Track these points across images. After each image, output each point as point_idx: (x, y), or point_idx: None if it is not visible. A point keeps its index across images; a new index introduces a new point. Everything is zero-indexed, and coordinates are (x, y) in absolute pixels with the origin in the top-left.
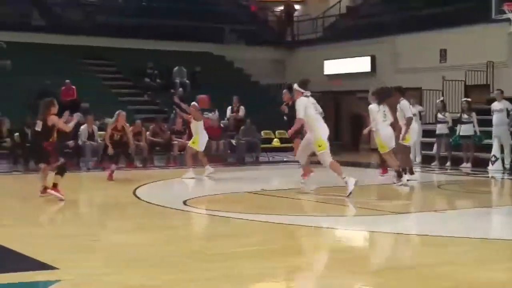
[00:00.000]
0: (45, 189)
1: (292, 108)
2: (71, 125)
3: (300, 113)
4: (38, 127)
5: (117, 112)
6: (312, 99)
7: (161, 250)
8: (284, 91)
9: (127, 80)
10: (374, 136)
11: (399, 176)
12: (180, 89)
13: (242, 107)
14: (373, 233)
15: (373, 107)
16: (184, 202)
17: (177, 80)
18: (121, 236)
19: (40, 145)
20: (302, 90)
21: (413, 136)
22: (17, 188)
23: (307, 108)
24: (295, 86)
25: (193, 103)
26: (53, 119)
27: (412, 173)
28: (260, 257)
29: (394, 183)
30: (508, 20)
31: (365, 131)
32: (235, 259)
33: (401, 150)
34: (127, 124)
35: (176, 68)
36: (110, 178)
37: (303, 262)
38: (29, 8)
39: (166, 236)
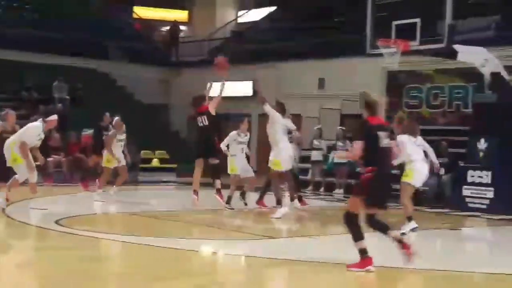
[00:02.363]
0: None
1: None
2: None
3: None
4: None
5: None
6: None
7: (35, 271)
8: None
9: (3, 92)
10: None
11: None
12: (60, 104)
13: None
14: (246, 257)
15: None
16: (57, 222)
17: (56, 95)
18: None
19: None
20: None
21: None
22: None
23: None
24: None
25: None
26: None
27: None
28: (129, 280)
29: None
30: (381, 54)
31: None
32: (106, 282)
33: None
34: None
35: (55, 83)
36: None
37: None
38: None
39: (38, 257)
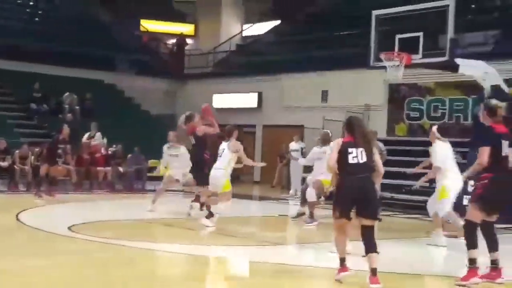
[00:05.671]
0: None
1: None
2: None
3: None
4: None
5: None
6: None
7: (49, 277)
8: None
9: (14, 103)
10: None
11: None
12: (69, 114)
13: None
14: (254, 263)
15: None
16: (69, 228)
17: (67, 106)
18: (6, 262)
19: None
20: None
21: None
22: None
23: None
24: None
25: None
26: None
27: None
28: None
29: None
30: (384, 67)
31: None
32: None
33: None
34: None
35: (66, 94)
36: None
37: None
38: None
39: (52, 263)
